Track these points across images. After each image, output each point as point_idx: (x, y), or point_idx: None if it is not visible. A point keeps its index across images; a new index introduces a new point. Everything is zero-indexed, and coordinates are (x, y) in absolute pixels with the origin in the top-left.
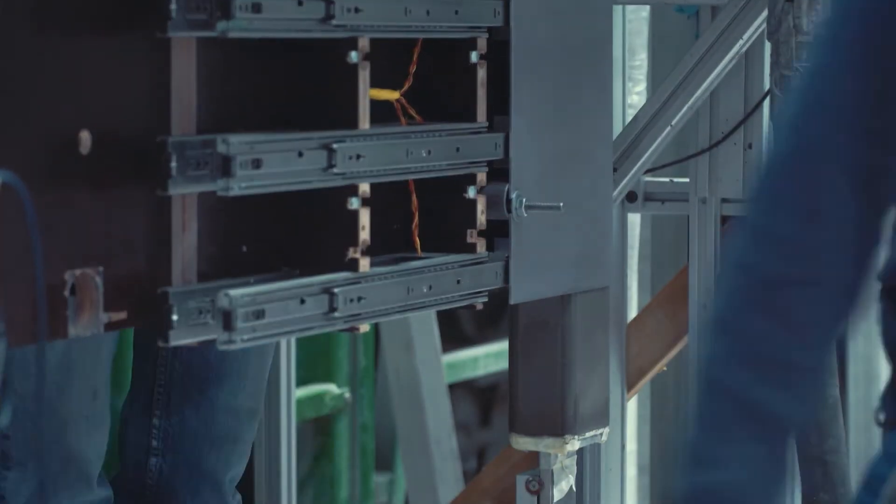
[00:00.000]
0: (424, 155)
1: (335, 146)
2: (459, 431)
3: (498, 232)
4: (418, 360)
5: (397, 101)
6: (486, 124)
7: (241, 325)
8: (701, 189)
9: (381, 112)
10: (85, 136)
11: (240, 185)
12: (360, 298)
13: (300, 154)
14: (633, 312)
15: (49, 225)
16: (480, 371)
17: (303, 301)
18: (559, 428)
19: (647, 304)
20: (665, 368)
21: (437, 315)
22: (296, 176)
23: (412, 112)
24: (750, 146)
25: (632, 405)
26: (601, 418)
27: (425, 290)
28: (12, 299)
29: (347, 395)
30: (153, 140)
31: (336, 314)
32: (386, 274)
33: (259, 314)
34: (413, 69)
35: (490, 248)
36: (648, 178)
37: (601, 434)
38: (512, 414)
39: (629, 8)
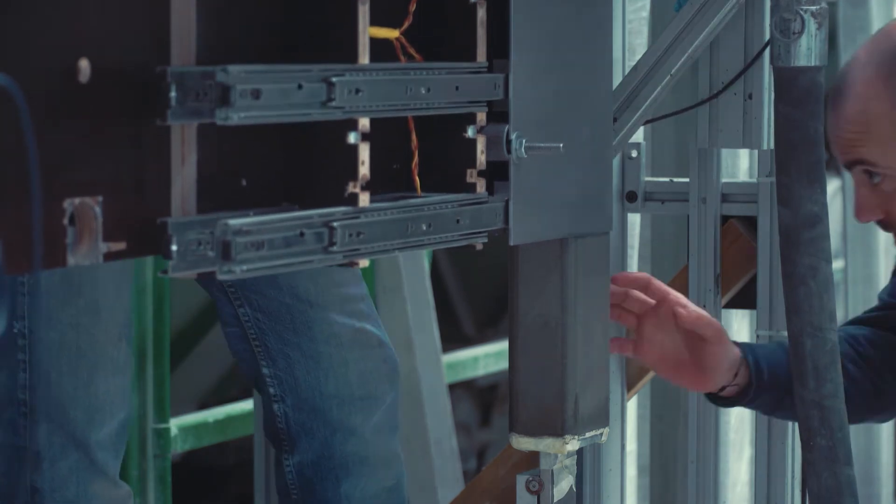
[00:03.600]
0: (423, 92)
1: (334, 80)
2: (459, 431)
3: (498, 176)
4: (418, 360)
5: (396, 39)
6: (486, 64)
7: (240, 256)
8: (701, 141)
9: (381, 52)
10: (84, 65)
11: (239, 114)
12: (359, 233)
13: (300, 86)
14: None
15: (48, 153)
16: (480, 371)
17: (302, 234)
18: (559, 428)
19: None
20: None
21: (436, 315)
22: (295, 108)
23: (412, 51)
24: (750, 96)
25: (632, 405)
26: (601, 418)
27: (425, 228)
28: (12, 225)
29: None
30: (152, 70)
31: (335, 248)
32: (385, 210)
33: (258, 245)
34: (413, 7)
35: (490, 192)
36: (648, 179)
37: (601, 434)
38: (512, 414)
39: (629, 8)
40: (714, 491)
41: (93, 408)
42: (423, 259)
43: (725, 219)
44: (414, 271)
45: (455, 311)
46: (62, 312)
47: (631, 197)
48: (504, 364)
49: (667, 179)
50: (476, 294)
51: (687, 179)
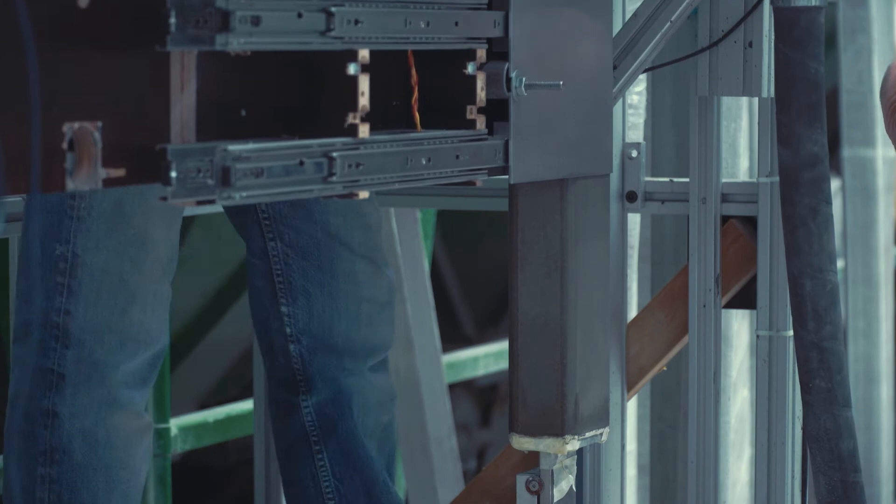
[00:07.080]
0: (423, 26)
1: (333, 9)
2: (459, 431)
3: (498, 117)
4: (418, 360)
5: None
6: (486, 1)
7: (239, 182)
8: (701, 89)
9: None
10: None
11: (238, 40)
12: (358, 164)
13: (299, 15)
14: (633, 312)
15: (47, 77)
16: (480, 371)
17: (302, 163)
18: (559, 428)
19: (647, 304)
20: (665, 368)
21: (436, 315)
22: (294, 36)
23: None
24: (750, 44)
25: (632, 405)
26: (601, 418)
27: (424, 162)
28: (11, 147)
29: None
30: None
31: (334, 178)
32: (385, 142)
33: (258, 172)
34: None
35: (490, 133)
36: (648, 179)
37: (601, 434)
38: (512, 414)
39: (629, 8)
40: (714, 491)
41: (126, 336)
42: (423, 259)
43: (725, 219)
44: (414, 271)
45: (455, 311)
46: (110, 239)
47: (631, 197)
48: (504, 364)
49: (667, 179)
50: (476, 294)
51: (687, 179)
